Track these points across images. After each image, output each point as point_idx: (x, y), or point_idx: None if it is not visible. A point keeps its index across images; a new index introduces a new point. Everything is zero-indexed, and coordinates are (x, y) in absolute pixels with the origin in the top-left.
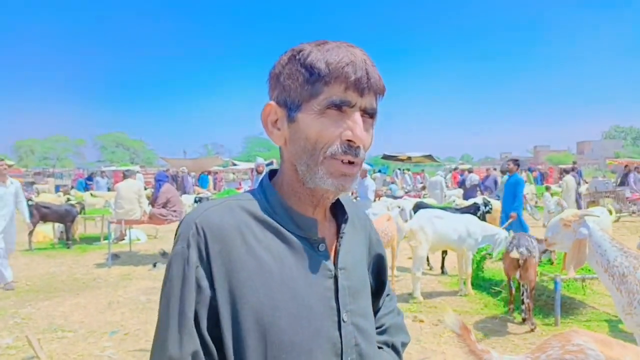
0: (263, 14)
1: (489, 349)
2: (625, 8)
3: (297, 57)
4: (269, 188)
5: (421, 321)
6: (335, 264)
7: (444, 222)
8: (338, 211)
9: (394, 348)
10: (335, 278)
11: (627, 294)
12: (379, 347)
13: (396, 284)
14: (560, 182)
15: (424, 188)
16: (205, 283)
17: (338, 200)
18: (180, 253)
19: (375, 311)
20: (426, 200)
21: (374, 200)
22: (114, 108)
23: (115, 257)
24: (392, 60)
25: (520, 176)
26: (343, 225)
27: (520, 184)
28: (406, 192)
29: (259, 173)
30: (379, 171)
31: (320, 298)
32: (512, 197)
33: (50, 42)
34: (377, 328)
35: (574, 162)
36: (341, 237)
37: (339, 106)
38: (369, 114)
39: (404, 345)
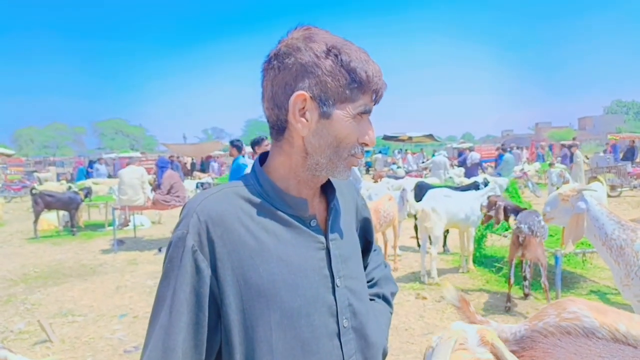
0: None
1: (488, 320)
2: None
3: (339, 57)
4: (260, 173)
5: (424, 298)
6: (326, 235)
7: (452, 201)
8: (328, 187)
9: (384, 298)
10: (327, 249)
11: (624, 266)
12: (371, 299)
13: (399, 262)
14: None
15: (425, 168)
16: (204, 264)
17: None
18: (180, 237)
19: (365, 266)
20: (427, 180)
21: (376, 181)
22: (113, 95)
23: (120, 242)
24: (393, 38)
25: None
26: (332, 200)
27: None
28: (407, 173)
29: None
30: (380, 152)
31: (314, 268)
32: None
33: (48, 29)
34: (368, 282)
35: (574, 139)
36: (331, 211)
37: (364, 113)
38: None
39: (393, 294)
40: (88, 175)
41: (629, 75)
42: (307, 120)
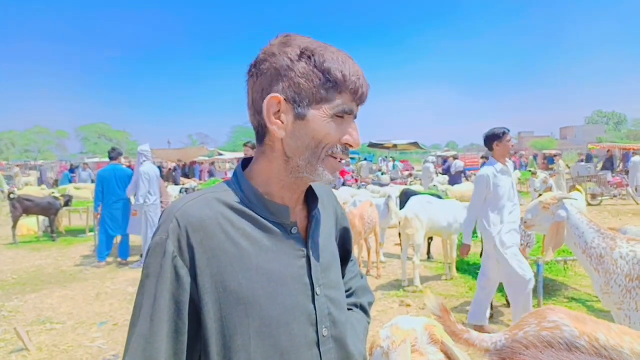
0: (248, 2)
1: (468, 329)
2: None
3: (313, 58)
4: (242, 179)
5: (408, 305)
6: (306, 243)
7: (434, 208)
8: (309, 195)
9: (362, 308)
10: (308, 257)
11: (604, 274)
12: (349, 309)
13: (382, 269)
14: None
15: (410, 175)
16: (184, 271)
17: (309, 185)
18: (159, 243)
19: (342, 276)
20: (413, 187)
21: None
22: (96, 99)
23: None
24: (379, 48)
25: None
26: (314, 209)
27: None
28: (392, 180)
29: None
30: (365, 159)
31: (294, 276)
32: None
33: (31, 33)
34: (345, 291)
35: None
36: (312, 219)
37: (345, 114)
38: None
39: (370, 304)
40: (71, 180)
41: (609, 86)
42: (282, 122)
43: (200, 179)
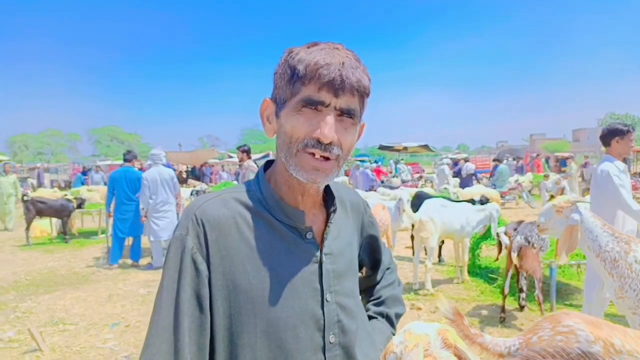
0: (259, 6)
1: (482, 333)
2: None
3: (288, 57)
4: (262, 181)
5: (419, 309)
6: (321, 250)
7: (448, 212)
8: (329, 199)
9: (387, 318)
10: (320, 263)
11: (618, 278)
12: (374, 317)
13: None
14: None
15: (420, 178)
16: (203, 266)
17: (330, 189)
18: (180, 238)
19: (375, 284)
20: (425, 190)
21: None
22: (108, 102)
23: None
24: (391, 53)
25: None
26: (332, 214)
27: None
28: (403, 182)
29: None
30: (376, 162)
31: (305, 281)
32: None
33: (43, 36)
34: (375, 299)
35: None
36: (329, 225)
37: (314, 105)
38: (347, 114)
39: (398, 316)
40: (84, 182)
41: (623, 89)
42: (269, 123)
43: (211, 182)
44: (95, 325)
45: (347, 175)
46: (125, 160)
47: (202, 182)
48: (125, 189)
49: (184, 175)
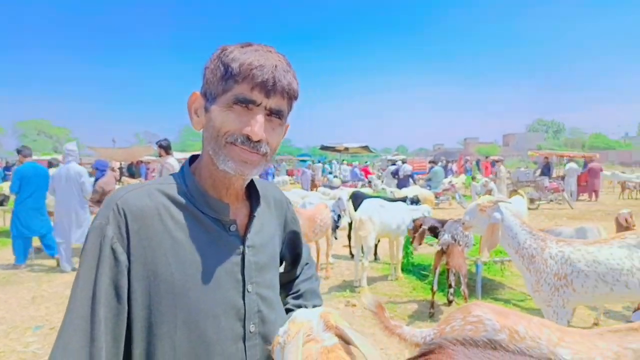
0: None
1: (401, 324)
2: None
3: (221, 55)
4: (187, 173)
5: (353, 305)
6: (244, 242)
7: (386, 211)
8: (253, 194)
9: None
10: (243, 255)
11: (535, 273)
12: (292, 310)
13: (331, 271)
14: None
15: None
16: (123, 257)
17: (254, 184)
18: (99, 227)
19: (294, 278)
20: (362, 190)
21: (311, 190)
22: (36, 94)
23: (38, 250)
24: (331, 53)
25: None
26: (255, 208)
27: None
28: (343, 182)
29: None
30: (319, 161)
31: (227, 272)
32: None
33: None
34: (294, 293)
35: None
36: (253, 219)
37: (245, 103)
38: (276, 115)
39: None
40: (5, 178)
41: (551, 96)
42: (198, 117)
43: (146, 179)
44: (17, 328)
45: (291, 175)
46: (23, 156)
47: (138, 179)
48: (32, 185)
49: (118, 173)
